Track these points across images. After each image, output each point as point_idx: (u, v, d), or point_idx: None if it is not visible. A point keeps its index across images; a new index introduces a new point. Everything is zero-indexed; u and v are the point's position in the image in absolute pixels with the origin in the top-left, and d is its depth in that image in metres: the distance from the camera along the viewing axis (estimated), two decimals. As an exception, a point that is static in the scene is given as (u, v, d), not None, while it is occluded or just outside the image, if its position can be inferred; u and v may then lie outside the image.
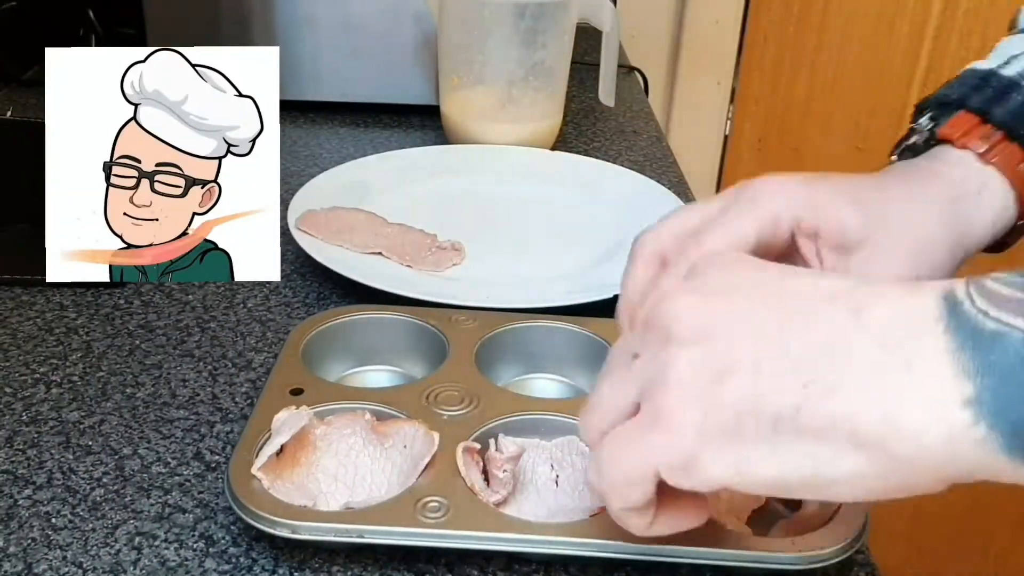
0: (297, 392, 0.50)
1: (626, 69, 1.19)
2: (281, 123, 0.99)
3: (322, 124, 0.99)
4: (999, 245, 0.50)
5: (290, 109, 1.01)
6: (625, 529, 0.37)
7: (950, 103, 0.50)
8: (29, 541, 0.44)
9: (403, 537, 0.42)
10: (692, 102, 1.58)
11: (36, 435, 0.51)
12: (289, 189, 0.80)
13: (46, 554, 0.44)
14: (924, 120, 0.51)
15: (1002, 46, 0.53)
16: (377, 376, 0.57)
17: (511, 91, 0.90)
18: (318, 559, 0.44)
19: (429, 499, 0.43)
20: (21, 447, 0.50)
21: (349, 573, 0.43)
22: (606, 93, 0.96)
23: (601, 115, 1.05)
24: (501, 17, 0.86)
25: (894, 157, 0.52)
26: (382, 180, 0.82)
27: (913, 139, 0.51)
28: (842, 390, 0.30)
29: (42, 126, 0.56)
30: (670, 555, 0.42)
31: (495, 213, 0.81)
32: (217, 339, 0.61)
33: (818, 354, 0.30)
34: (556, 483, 0.47)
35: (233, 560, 0.44)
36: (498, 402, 0.51)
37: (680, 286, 0.35)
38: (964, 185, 0.48)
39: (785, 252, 0.44)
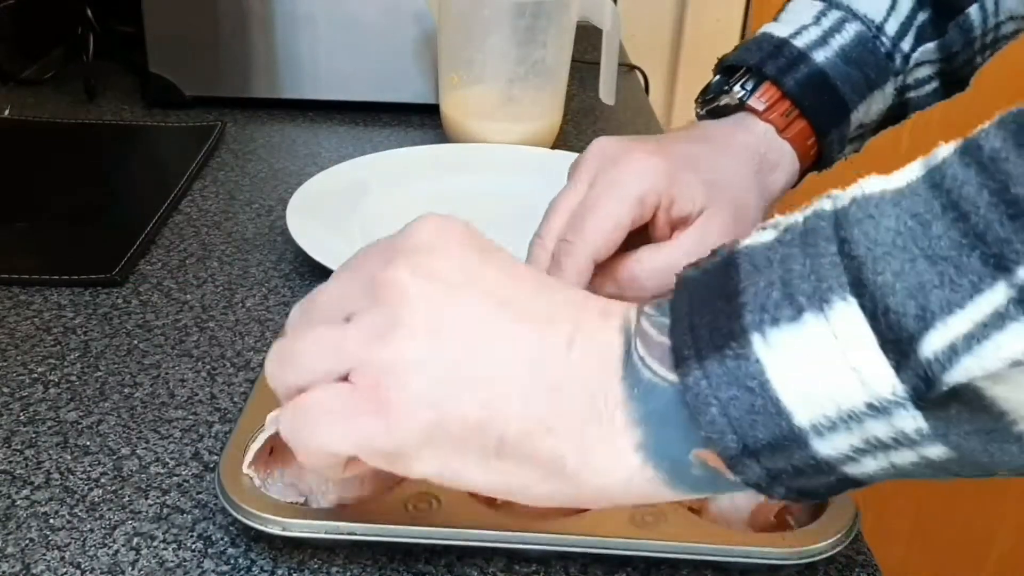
0: None
1: (626, 68, 1.19)
2: (281, 122, 0.99)
3: (321, 123, 0.99)
4: None
5: (289, 108, 1.00)
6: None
7: (750, 68, 0.57)
8: (27, 541, 0.44)
9: (394, 534, 0.42)
10: (692, 100, 1.58)
11: (34, 435, 0.51)
12: (288, 188, 0.79)
13: (44, 554, 0.43)
14: (737, 88, 0.57)
15: (792, 8, 0.59)
16: None
17: (511, 90, 0.89)
18: (317, 559, 0.43)
19: (421, 496, 0.43)
20: (19, 447, 0.50)
21: (348, 573, 0.43)
22: (606, 92, 0.96)
23: (601, 114, 1.05)
24: (501, 15, 0.86)
25: (700, 111, 0.60)
26: (381, 179, 0.81)
27: (724, 101, 0.57)
28: (556, 432, 0.32)
29: (42, 125, 0.56)
30: (652, 550, 0.42)
31: (495, 212, 0.80)
32: (216, 339, 0.60)
33: (545, 390, 0.32)
34: None
35: (232, 561, 0.43)
36: None
37: (409, 257, 0.34)
38: (767, 157, 0.55)
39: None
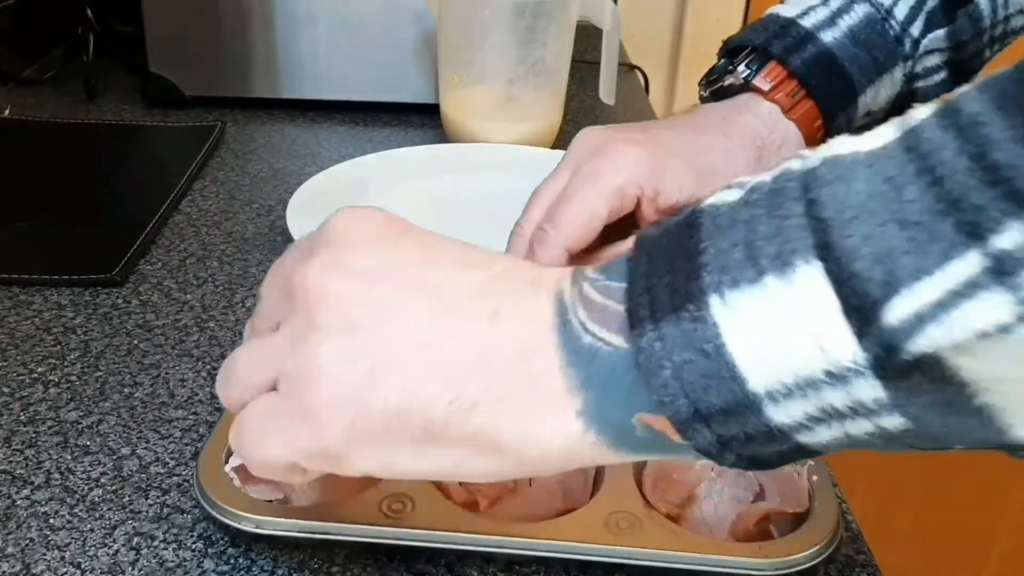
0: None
1: (627, 67, 1.19)
2: (281, 122, 0.99)
3: (321, 123, 0.99)
4: None
5: (289, 108, 1.00)
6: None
7: (755, 47, 0.56)
8: (27, 541, 0.44)
9: (367, 535, 0.42)
10: (693, 100, 1.58)
11: (34, 435, 0.51)
12: (288, 188, 0.79)
13: (44, 554, 0.43)
14: (742, 68, 0.56)
15: None
16: None
17: (511, 90, 0.89)
18: (317, 559, 0.43)
19: (396, 497, 0.43)
20: (19, 447, 0.50)
21: (348, 573, 0.43)
22: (607, 92, 0.96)
23: (601, 114, 1.05)
24: (501, 15, 0.86)
25: (704, 93, 0.59)
26: (381, 179, 0.81)
27: (728, 81, 0.56)
28: (484, 406, 0.31)
29: (42, 125, 0.56)
30: (622, 557, 0.42)
31: (495, 212, 0.80)
32: (216, 339, 0.60)
33: (464, 365, 0.31)
34: (529, 483, 0.47)
35: (232, 561, 0.43)
36: None
37: (320, 255, 0.33)
38: (770, 138, 0.54)
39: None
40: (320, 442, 0.32)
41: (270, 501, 0.44)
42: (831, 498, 0.45)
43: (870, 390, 0.26)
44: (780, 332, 0.27)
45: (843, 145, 0.27)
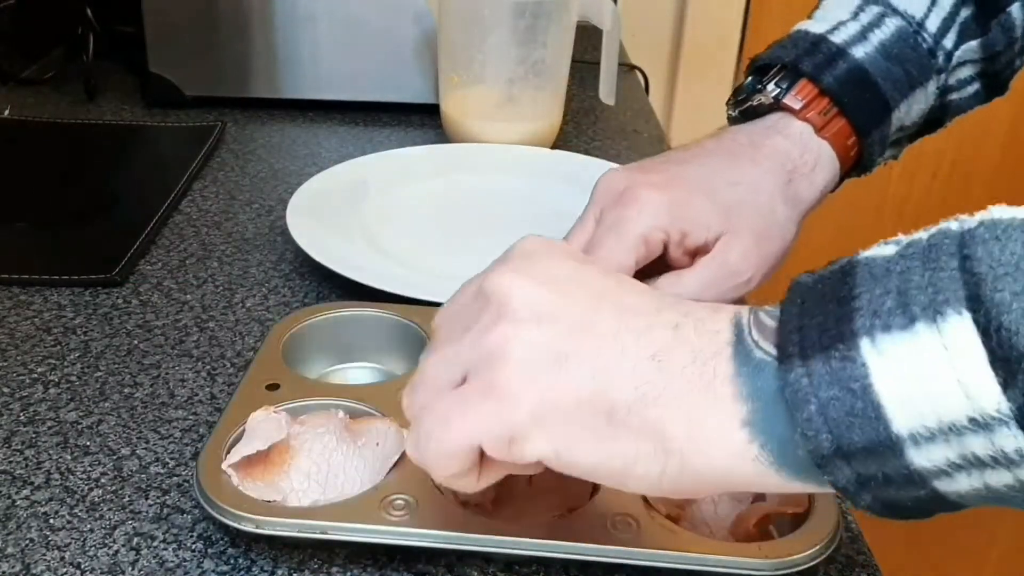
0: (273, 387, 0.50)
1: (627, 67, 1.19)
2: (280, 122, 0.99)
3: (321, 123, 0.99)
4: None
5: (289, 108, 1.00)
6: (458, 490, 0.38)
7: (785, 65, 0.54)
8: (27, 542, 0.44)
9: (366, 534, 0.42)
10: (693, 101, 1.58)
11: (34, 435, 0.51)
12: (288, 188, 0.79)
13: (44, 555, 0.43)
14: (771, 86, 0.54)
15: (827, 5, 0.57)
16: (358, 373, 0.57)
17: (511, 90, 0.89)
18: (317, 559, 0.43)
19: (395, 496, 0.43)
20: (19, 447, 0.50)
21: (349, 573, 0.43)
22: (607, 92, 0.96)
23: (601, 114, 1.05)
24: (501, 15, 0.86)
25: (732, 112, 0.57)
26: (382, 179, 0.81)
27: (758, 101, 0.55)
28: (662, 401, 0.32)
29: (42, 125, 0.56)
30: (621, 557, 0.42)
31: (495, 212, 0.80)
32: (216, 339, 0.60)
33: (649, 362, 0.33)
34: (529, 481, 0.47)
35: (232, 561, 0.43)
36: None
37: (515, 263, 0.37)
38: (802, 159, 0.53)
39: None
40: (506, 417, 0.34)
41: (269, 501, 0.44)
42: (830, 498, 0.45)
43: (1013, 440, 0.27)
44: (927, 377, 0.28)
45: (1001, 211, 0.29)
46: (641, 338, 0.33)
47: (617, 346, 0.33)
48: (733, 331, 0.33)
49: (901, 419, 0.28)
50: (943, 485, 0.29)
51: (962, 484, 0.29)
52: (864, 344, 0.29)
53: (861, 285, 0.30)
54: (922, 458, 0.29)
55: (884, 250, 0.31)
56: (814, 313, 0.31)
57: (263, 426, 0.46)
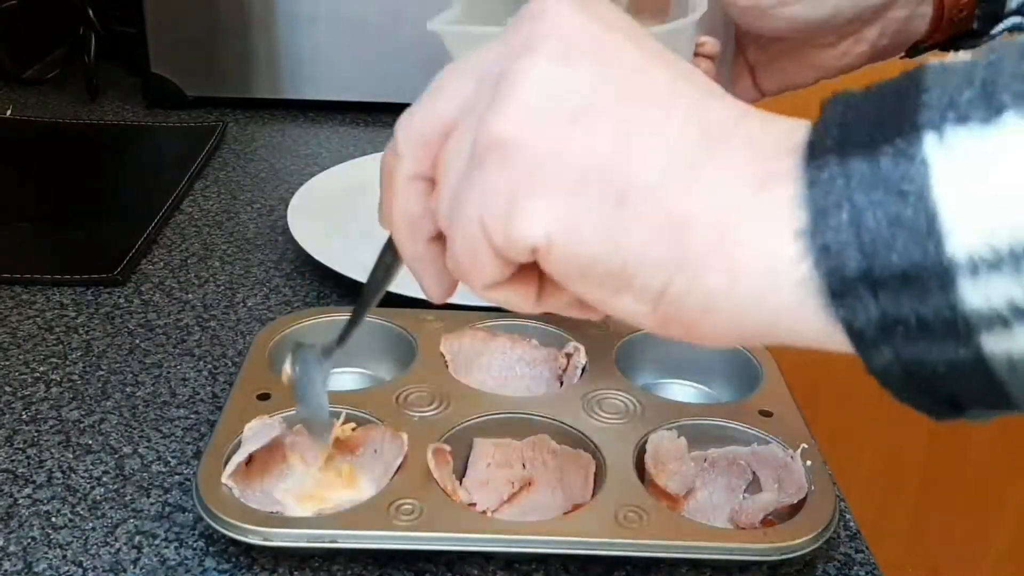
0: (264, 397, 0.49)
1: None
2: (281, 122, 0.99)
3: (322, 123, 0.99)
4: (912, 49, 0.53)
5: (290, 108, 1.01)
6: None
7: None
8: (29, 540, 0.44)
9: (377, 540, 0.42)
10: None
11: (36, 434, 0.51)
12: (289, 188, 0.80)
13: (46, 553, 0.44)
14: None
15: None
16: (345, 379, 0.56)
17: (512, 90, 0.89)
18: (318, 559, 0.44)
19: (403, 501, 0.43)
20: (21, 446, 0.50)
21: (349, 572, 0.43)
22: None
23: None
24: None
25: None
26: (382, 179, 0.81)
27: None
28: (698, 192, 0.26)
29: (44, 126, 0.56)
30: (635, 550, 0.42)
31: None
32: (217, 338, 0.61)
33: (692, 142, 0.26)
34: (530, 483, 0.47)
35: (233, 559, 0.44)
36: (468, 402, 0.50)
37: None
38: None
39: None
40: (500, 179, 0.27)
41: (271, 512, 0.44)
42: (826, 482, 0.45)
43: None
44: (1006, 182, 0.22)
45: None
46: (695, 115, 0.27)
47: (657, 118, 0.27)
48: (806, 135, 0.26)
49: (960, 235, 0.22)
50: (993, 343, 0.23)
51: (1018, 344, 0.22)
52: (928, 138, 0.23)
53: (933, 80, 0.24)
54: (977, 294, 0.22)
55: (957, 57, 0.24)
56: (864, 107, 0.24)
57: (257, 432, 0.46)
